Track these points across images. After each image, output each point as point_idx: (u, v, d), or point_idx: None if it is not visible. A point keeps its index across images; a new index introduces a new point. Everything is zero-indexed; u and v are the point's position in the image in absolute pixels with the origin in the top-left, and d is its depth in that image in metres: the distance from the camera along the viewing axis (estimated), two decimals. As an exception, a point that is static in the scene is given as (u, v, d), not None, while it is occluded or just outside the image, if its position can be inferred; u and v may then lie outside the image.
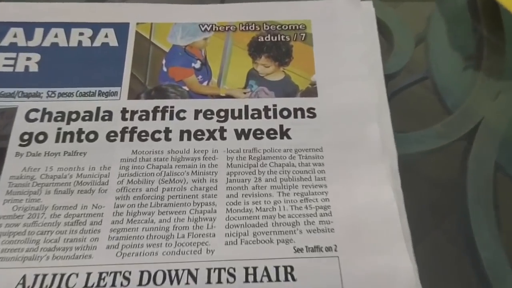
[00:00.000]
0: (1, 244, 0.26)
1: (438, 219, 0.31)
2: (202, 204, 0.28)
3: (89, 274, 0.26)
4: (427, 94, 0.36)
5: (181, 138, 0.30)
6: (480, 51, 0.37)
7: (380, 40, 0.35)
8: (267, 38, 0.35)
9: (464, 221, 0.30)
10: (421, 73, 0.37)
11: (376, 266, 0.26)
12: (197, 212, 0.28)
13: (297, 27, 0.35)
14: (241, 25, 0.35)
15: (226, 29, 0.35)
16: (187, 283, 0.25)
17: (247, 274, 0.26)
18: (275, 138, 0.31)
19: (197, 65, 0.34)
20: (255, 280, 0.25)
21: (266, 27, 0.35)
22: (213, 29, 0.35)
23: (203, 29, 0.35)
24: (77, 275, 0.25)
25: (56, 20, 0.35)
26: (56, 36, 0.34)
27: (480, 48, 0.37)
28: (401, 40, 0.37)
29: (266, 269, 0.26)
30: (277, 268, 0.26)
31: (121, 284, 0.25)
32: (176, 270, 0.26)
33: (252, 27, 0.35)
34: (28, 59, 0.33)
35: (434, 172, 0.33)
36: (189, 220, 0.28)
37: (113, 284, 0.25)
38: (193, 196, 0.28)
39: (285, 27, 0.35)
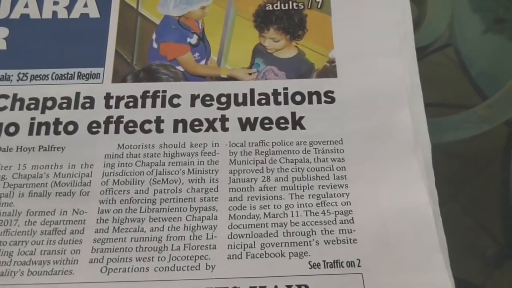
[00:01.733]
0: (-31, 255, 0.24)
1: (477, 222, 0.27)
2: (201, 209, 0.25)
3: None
4: (449, 63, 0.32)
5: (175, 130, 0.27)
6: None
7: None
8: (277, 6, 0.31)
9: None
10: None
11: (408, 286, 0.23)
12: (194, 219, 0.25)
13: (312, -8, 0.32)
14: (245, -11, 0.32)
15: (228, -5, 0.31)
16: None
17: (254, 295, 0.23)
18: (286, 128, 0.27)
19: (194, 40, 0.30)
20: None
21: (275, -8, 0.32)
22: (212, -5, 0.31)
23: (200, -5, 0.31)
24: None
25: (26, -14, 0.31)
26: (26, 5, 0.31)
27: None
28: (436, 4, 0.32)
29: (276, 288, 0.23)
30: (289, 287, 0.23)
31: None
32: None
33: (258, -8, 0.32)
34: (-5, 34, 0.30)
35: (473, 164, 0.28)
36: (186, 228, 0.25)
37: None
38: (190, 200, 0.25)
39: (297, -9, 0.32)
